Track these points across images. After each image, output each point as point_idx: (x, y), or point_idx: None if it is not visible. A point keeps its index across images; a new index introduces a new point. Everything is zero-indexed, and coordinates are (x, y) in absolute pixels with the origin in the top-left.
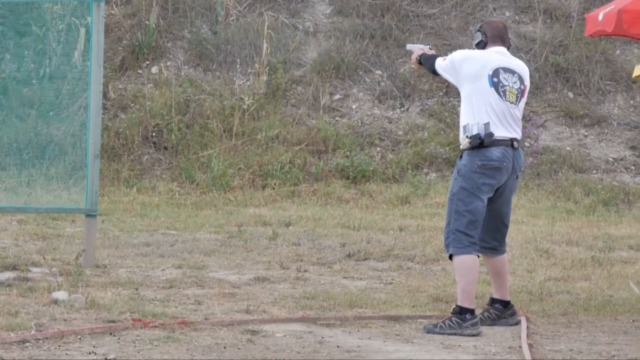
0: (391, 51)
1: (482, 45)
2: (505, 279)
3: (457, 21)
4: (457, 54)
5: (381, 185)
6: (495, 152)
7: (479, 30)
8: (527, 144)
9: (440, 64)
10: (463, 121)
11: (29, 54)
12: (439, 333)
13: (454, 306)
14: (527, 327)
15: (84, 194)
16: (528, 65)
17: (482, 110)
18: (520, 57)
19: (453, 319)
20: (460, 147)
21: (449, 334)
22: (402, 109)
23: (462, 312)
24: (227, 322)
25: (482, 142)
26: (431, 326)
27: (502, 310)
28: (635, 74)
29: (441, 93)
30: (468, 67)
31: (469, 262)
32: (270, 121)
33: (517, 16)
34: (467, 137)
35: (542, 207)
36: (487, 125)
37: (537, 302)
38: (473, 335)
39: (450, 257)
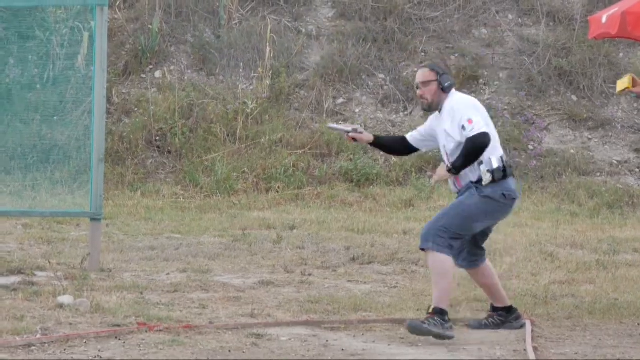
0: (394, 55)
1: (453, 86)
2: (497, 285)
3: (459, 24)
4: (477, 112)
5: (385, 188)
6: (512, 182)
7: (445, 74)
8: (530, 147)
9: (480, 132)
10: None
11: (33, 59)
12: (427, 330)
13: (432, 306)
14: (532, 331)
15: (89, 197)
16: (531, 68)
17: (494, 143)
18: (523, 61)
19: (436, 318)
20: (483, 183)
21: (435, 333)
22: (405, 113)
23: (442, 313)
24: (231, 325)
25: (505, 174)
26: (418, 323)
27: (505, 316)
28: (618, 88)
29: None
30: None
31: (448, 263)
32: (273, 125)
33: (520, 19)
34: (488, 171)
35: (546, 210)
36: (503, 157)
37: (542, 305)
38: (449, 338)
39: (423, 250)
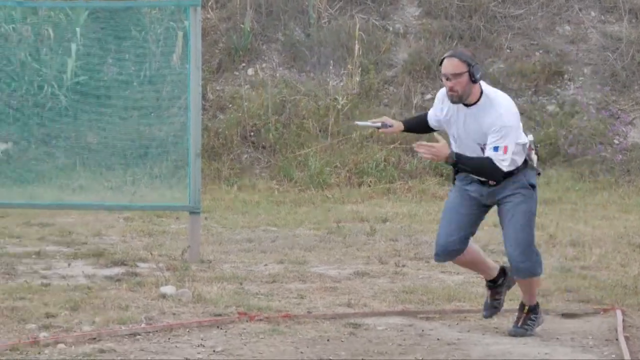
0: (480, 52)
1: (482, 76)
2: (484, 256)
3: (543, 21)
4: (517, 133)
5: None
6: None
7: (476, 64)
8: (616, 141)
9: (502, 169)
10: (522, 140)
11: (130, 57)
12: (529, 334)
13: (526, 306)
14: (623, 320)
15: (187, 192)
16: (615, 63)
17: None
18: (607, 57)
19: (532, 317)
20: (533, 164)
21: (535, 331)
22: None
23: (536, 308)
24: (329, 315)
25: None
26: (522, 330)
27: (504, 278)
28: None
29: (530, 92)
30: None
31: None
32: (364, 120)
33: (602, 16)
34: (532, 149)
35: (632, 202)
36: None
37: (632, 295)
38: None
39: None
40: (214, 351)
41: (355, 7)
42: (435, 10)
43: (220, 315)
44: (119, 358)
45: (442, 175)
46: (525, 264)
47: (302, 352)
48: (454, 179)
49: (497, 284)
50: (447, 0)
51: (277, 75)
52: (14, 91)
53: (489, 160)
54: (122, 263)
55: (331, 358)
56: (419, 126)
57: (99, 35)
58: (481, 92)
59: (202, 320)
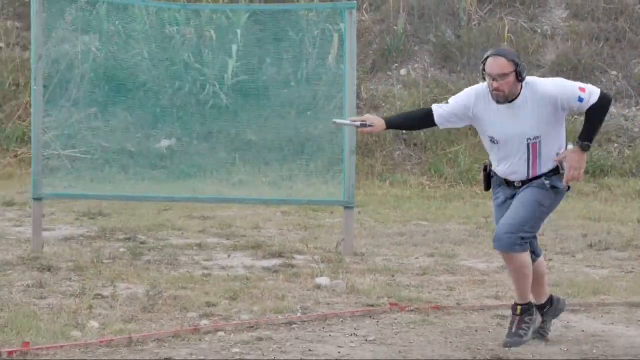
0: (625, 53)
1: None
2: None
3: None
4: (560, 79)
5: (619, 179)
6: None
7: (522, 63)
8: None
9: (600, 92)
10: (560, 147)
11: (287, 58)
12: (527, 342)
13: (518, 306)
14: None
15: (342, 187)
16: None
17: None
18: None
19: (526, 319)
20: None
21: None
22: (638, 107)
23: (531, 309)
24: (478, 307)
25: None
26: (516, 338)
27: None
28: None
29: None
30: None
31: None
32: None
33: None
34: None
35: None
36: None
37: None
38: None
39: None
40: (366, 340)
41: (504, 9)
42: (582, 12)
43: (372, 305)
44: (275, 346)
45: (587, 173)
46: (506, 235)
47: (450, 342)
48: (488, 185)
49: (543, 310)
50: (594, 3)
51: (429, 75)
52: (178, 90)
53: (589, 108)
54: (280, 255)
55: (479, 348)
56: (411, 122)
57: (259, 37)
58: (522, 85)
59: (355, 311)
